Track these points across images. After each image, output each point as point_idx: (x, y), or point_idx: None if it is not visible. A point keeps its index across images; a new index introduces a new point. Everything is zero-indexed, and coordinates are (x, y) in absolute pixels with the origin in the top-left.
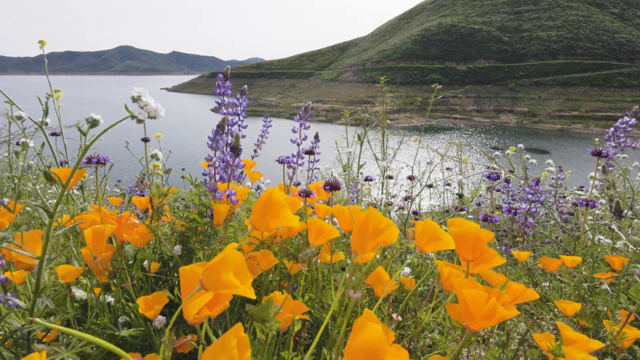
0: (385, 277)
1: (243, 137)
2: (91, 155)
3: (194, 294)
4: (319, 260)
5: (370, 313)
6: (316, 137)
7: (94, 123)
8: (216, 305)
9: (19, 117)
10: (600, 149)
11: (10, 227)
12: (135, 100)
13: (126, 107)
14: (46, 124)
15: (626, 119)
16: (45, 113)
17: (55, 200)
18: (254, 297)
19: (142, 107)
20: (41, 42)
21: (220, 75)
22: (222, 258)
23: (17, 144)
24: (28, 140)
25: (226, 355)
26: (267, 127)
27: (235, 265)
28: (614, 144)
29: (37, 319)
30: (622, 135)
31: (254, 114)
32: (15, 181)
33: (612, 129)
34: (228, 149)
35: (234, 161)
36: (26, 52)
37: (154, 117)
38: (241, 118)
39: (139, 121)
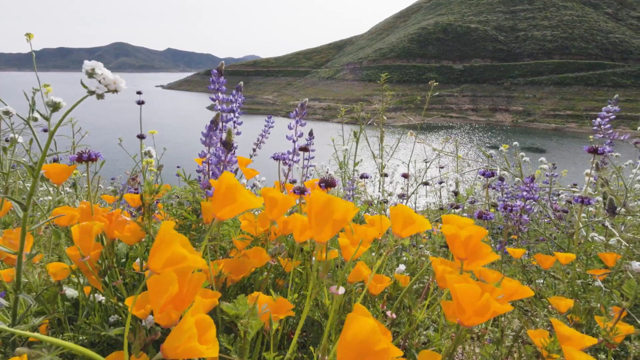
0: (365, 272)
1: (238, 133)
2: (82, 151)
3: (145, 282)
4: (313, 258)
5: (362, 307)
6: (310, 134)
7: (55, 106)
8: (182, 303)
9: (6, 113)
10: (597, 145)
11: None
12: (90, 75)
13: (82, 83)
14: (35, 119)
15: (609, 107)
16: (32, 108)
17: (46, 198)
18: (204, 266)
19: (99, 81)
20: (28, 35)
21: (215, 71)
22: (160, 236)
23: (6, 140)
24: (17, 136)
25: (185, 335)
26: (269, 128)
27: (179, 239)
28: (601, 135)
29: (4, 326)
30: (608, 125)
31: (251, 112)
32: (9, 179)
33: (597, 119)
34: (220, 145)
35: (227, 157)
36: (19, 49)
37: (115, 90)
38: (236, 114)
39: (99, 96)
